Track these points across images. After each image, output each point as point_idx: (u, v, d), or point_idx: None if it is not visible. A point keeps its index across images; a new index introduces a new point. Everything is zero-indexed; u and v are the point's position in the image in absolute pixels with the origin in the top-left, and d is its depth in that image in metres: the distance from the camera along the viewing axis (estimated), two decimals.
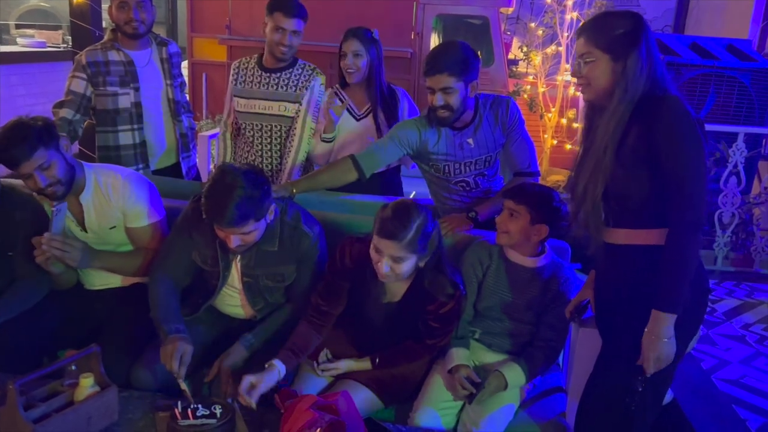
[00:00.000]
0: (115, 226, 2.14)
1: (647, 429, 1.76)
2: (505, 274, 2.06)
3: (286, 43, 2.62)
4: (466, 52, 2.19)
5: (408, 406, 1.95)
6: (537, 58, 6.06)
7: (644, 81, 1.58)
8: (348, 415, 1.62)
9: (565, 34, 5.91)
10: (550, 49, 6.04)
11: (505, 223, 2.01)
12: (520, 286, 2.04)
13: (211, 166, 2.86)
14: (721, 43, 4.67)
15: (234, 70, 2.81)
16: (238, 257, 2.01)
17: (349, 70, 2.70)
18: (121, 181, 2.11)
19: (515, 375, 1.93)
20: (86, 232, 2.13)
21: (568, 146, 6.25)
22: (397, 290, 1.98)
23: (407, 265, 1.84)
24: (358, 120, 2.78)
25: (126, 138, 2.81)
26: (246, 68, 2.78)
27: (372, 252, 1.86)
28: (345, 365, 2.00)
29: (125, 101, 2.77)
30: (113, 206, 2.10)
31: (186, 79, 3.69)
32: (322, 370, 2.00)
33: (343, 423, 1.58)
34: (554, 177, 6.15)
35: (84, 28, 4.31)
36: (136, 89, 2.78)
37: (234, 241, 1.86)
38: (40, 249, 1.95)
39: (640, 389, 1.66)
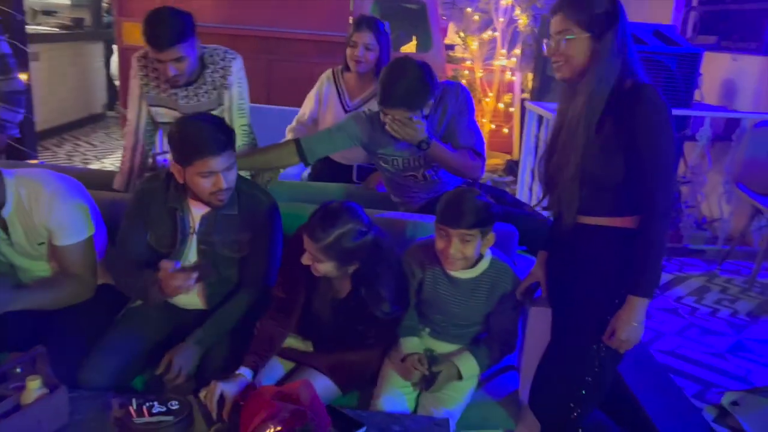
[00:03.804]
0: (43, 242, 1.98)
1: (599, 402, 1.84)
2: (444, 286, 1.97)
3: (170, 75, 2.22)
4: (424, 79, 2.10)
5: (368, 392, 1.96)
6: (474, 44, 6.14)
7: (620, 62, 1.61)
8: (310, 404, 1.61)
9: (500, 20, 6.01)
10: (487, 35, 6.13)
11: (459, 250, 1.85)
12: (462, 298, 1.96)
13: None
14: (647, 29, 4.85)
15: (140, 71, 2.38)
16: (197, 225, 1.98)
17: (358, 61, 2.65)
18: (45, 195, 1.90)
19: (469, 366, 1.92)
20: (12, 246, 1.97)
21: (506, 130, 6.39)
22: (341, 287, 1.96)
23: (326, 267, 1.82)
24: (346, 111, 2.74)
25: None
26: (156, 70, 2.33)
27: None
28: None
29: None
30: (36, 223, 1.92)
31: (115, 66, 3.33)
32: None
33: (305, 412, 1.57)
34: (492, 161, 6.28)
35: (5, 12, 4.07)
36: None
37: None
38: None
39: (597, 363, 1.73)
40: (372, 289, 1.88)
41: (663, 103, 1.60)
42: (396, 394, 1.93)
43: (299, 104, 2.97)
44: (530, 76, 5.84)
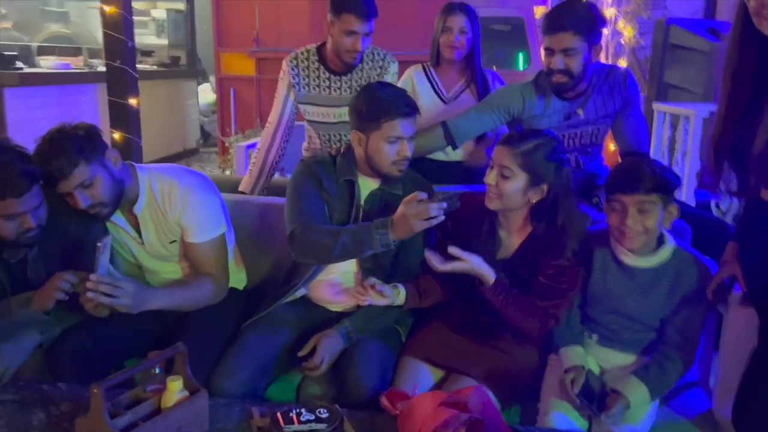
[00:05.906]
0: (175, 240, 1.88)
1: None
2: (615, 277, 1.72)
3: (360, 48, 2.30)
4: (592, 10, 2.03)
5: (531, 407, 1.70)
6: None
7: None
8: (485, 413, 1.37)
9: (604, 31, 5.76)
10: None
11: (638, 222, 1.62)
12: (640, 292, 1.69)
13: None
14: (702, 25, 5.03)
15: (291, 70, 2.45)
16: (363, 201, 1.88)
17: (454, 46, 2.52)
18: (179, 190, 1.82)
19: (639, 393, 1.61)
20: (143, 245, 1.89)
21: (612, 146, 6.03)
22: (512, 243, 1.80)
23: (512, 185, 1.69)
24: (446, 103, 2.59)
25: None
26: (307, 68, 2.45)
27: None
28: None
29: None
30: (170, 219, 1.84)
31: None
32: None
33: (482, 422, 1.33)
34: None
35: (117, 38, 4.15)
36: None
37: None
38: (85, 296, 1.61)
39: None
40: (555, 226, 1.72)
41: None
42: (566, 408, 1.65)
43: None
44: None
